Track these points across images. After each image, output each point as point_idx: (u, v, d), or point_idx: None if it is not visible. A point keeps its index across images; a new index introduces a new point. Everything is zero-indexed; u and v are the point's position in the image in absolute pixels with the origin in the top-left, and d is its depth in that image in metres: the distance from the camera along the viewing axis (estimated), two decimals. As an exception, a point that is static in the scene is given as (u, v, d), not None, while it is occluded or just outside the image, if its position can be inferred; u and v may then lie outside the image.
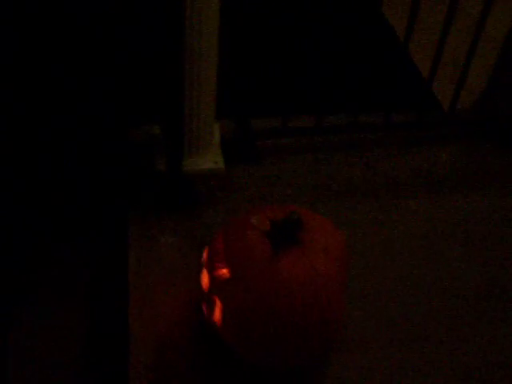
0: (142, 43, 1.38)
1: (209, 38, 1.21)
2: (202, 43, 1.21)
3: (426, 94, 1.75)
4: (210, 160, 1.42)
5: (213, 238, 1.17)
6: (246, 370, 1.16)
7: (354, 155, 1.67)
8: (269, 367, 1.16)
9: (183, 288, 1.31)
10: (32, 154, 1.51)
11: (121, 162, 1.51)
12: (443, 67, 1.66)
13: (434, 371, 1.22)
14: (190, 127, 1.36)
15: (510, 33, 1.63)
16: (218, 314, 1.11)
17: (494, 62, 1.69)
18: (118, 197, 1.49)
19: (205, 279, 1.16)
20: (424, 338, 1.27)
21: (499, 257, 1.45)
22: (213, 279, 1.12)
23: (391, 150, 1.68)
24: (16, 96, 1.46)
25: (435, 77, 1.67)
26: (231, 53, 1.33)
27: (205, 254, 1.18)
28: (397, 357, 1.23)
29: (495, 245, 1.47)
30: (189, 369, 1.19)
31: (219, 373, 1.17)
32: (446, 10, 1.54)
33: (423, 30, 1.82)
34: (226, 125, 1.56)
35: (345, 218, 1.48)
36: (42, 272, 1.37)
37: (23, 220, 1.45)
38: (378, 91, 1.64)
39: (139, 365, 1.15)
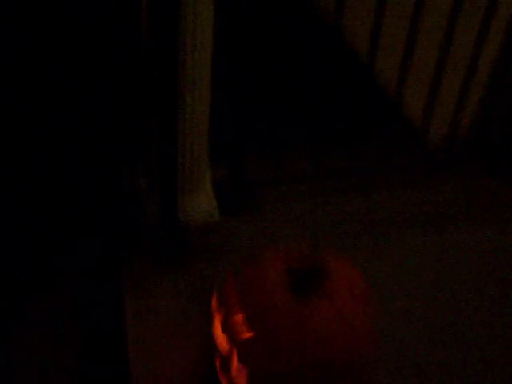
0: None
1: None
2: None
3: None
4: (204, 212, 1.34)
5: (222, 290, 1.07)
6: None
7: (355, 198, 1.63)
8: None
9: (185, 343, 1.23)
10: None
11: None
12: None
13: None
14: (183, 172, 1.28)
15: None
16: (243, 379, 1.01)
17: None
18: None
19: (221, 340, 1.04)
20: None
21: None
22: (233, 341, 1.01)
23: (393, 191, 1.66)
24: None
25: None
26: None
27: (216, 313, 1.07)
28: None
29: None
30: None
31: None
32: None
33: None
34: (219, 172, 1.48)
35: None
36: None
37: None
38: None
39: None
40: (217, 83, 1.23)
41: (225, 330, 1.01)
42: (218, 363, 1.07)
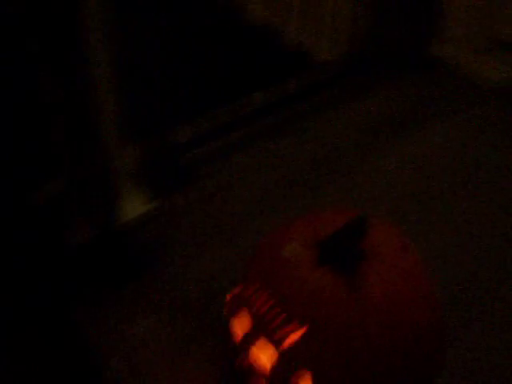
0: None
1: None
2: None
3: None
4: (136, 202, 1.16)
5: (243, 289, 0.88)
6: None
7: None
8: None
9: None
10: None
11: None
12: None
13: None
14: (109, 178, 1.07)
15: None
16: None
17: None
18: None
19: (259, 355, 0.83)
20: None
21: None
22: (277, 344, 0.81)
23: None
24: None
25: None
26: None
27: (238, 316, 0.88)
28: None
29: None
30: None
31: None
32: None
33: None
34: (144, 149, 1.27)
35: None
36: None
37: None
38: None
39: None
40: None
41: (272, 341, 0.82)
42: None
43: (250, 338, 0.84)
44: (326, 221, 0.88)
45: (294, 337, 0.80)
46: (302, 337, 0.79)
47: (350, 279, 0.81)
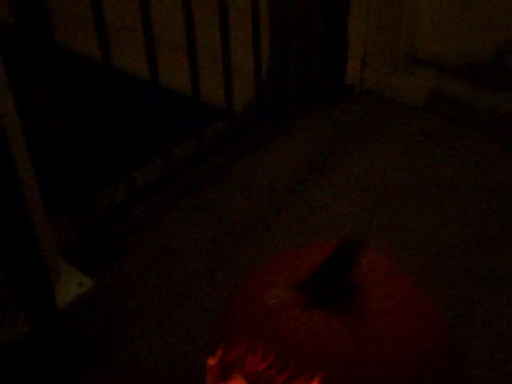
0: None
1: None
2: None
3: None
4: (73, 283, 1.05)
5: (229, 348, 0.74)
6: None
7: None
8: None
9: None
10: None
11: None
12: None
13: None
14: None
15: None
16: None
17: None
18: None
19: None
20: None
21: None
22: None
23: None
24: None
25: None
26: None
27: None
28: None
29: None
30: None
31: None
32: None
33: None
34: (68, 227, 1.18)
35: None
36: None
37: None
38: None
39: None
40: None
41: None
42: None
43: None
44: (304, 258, 0.77)
45: None
46: None
47: (346, 314, 0.70)
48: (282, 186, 1.37)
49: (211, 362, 0.77)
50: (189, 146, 1.41)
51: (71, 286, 1.07)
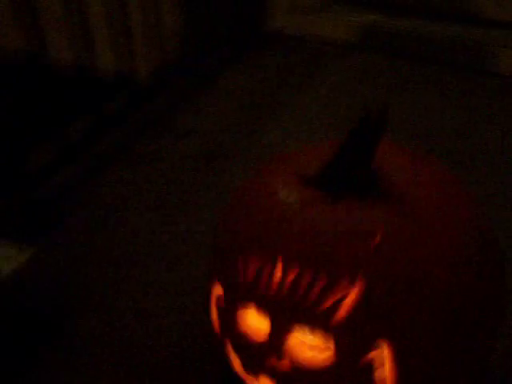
0: None
1: None
2: None
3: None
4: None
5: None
6: None
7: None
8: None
9: None
10: None
11: None
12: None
13: None
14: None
15: None
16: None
17: None
18: None
19: (302, 350, 0.57)
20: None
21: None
22: (332, 329, 0.55)
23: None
24: None
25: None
26: None
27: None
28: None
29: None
30: None
31: None
32: None
33: None
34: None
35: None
36: None
37: None
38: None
39: None
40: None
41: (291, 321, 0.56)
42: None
43: (277, 334, 0.57)
44: (313, 153, 0.64)
45: (346, 304, 0.54)
46: (359, 299, 0.54)
47: (376, 204, 0.57)
48: (224, 129, 1.24)
49: (218, 291, 0.63)
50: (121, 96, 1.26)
51: (5, 260, 0.88)
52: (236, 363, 0.63)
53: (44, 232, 0.98)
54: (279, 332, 0.57)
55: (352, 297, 0.53)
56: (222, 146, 1.19)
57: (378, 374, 0.55)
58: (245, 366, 0.62)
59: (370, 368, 0.55)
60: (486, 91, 1.36)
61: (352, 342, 0.54)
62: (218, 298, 0.62)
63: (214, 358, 0.76)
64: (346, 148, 0.58)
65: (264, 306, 0.57)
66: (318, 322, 0.55)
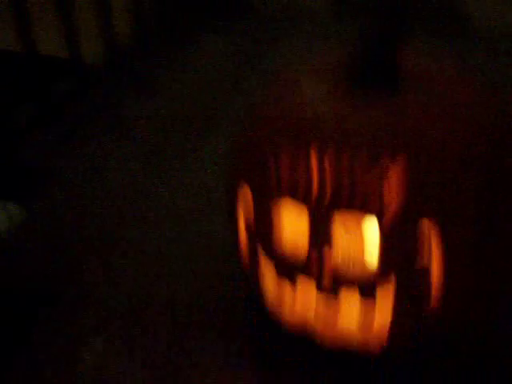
0: None
1: None
2: None
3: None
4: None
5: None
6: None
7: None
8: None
9: None
10: None
11: None
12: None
13: None
14: None
15: None
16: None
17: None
18: None
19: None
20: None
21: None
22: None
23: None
24: None
25: None
26: None
27: None
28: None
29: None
30: None
31: None
32: None
33: None
34: None
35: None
36: None
37: None
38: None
39: None
40: None
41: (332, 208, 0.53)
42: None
43: (318, 224, 0.54)
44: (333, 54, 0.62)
45: (390, 181, 0.51)
46: (403, 176, 0.51)
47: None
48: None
49: (245, 194, 0.60)
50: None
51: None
52: (269, 273, 0.61)
53: (28, 195, 0.93)
54: (320, 222, 0.54)
55: (395, 172, 0.52)
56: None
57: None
58: (280, 269, 0.59)
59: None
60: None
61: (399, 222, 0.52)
62: (246, 202, 0.60)
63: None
64: (371, 37, 0.57)
65: (301, 197, 0.55)
66: (362, 202, 0.52)
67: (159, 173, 0.97)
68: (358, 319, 0.57)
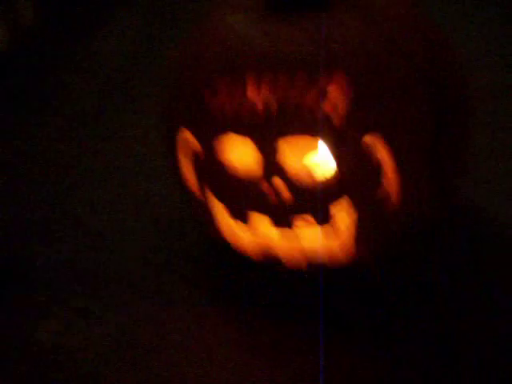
0: None
1: None
2: None
3: None
4: None
5: None
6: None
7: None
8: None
9: None
10: None
11: None
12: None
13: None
14: None
15: None
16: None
17: None
18: None
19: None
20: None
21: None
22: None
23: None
24: None
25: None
26: None
27: None
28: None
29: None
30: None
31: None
32: None
33: None
34: None
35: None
36: None
37: None
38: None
39: None
40: None
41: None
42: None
43: (267, 153, 0.53)
44: None
45: (331, 97, 0.51)
46: (342, 93, 0.51)
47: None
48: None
49: (185, 136, 0.58)
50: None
51: None
52: (221, 215, 0.59)
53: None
54: (268, 153, 0.53)
55: (334, 89, 0.51)
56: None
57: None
58: (232, 211, 0.58)
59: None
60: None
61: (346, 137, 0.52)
62: (187, 145, 0.58)
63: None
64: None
65: (244, 130, 0.54)
66: (305, 125, 0.52)
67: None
68: (322, 242, 0.57)
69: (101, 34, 1.28)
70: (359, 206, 0.54)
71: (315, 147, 0.53)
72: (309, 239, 0.57)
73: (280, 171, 0.54)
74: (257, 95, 0.52)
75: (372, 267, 0.63)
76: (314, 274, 0.60)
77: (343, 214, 0.55)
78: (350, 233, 0.56)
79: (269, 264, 0.61)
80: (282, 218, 0.56)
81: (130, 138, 0.93)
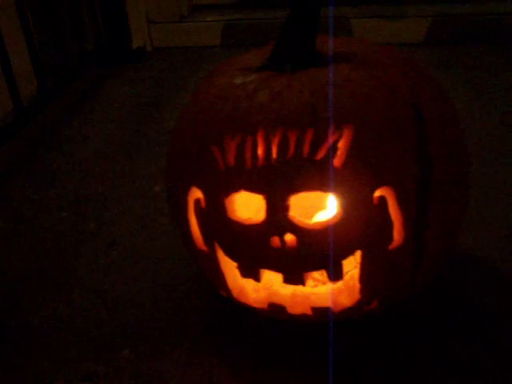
0: None
1: None
2: None
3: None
4: None
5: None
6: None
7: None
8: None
9: None
10: None
11: None
12: None
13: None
14: None
15: None
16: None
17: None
18: None
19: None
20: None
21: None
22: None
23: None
24: None
25: None
26: None
27: None
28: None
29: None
30: None
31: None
32: None
33: None
34: None
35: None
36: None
37: None
38: None
39: None
40: None
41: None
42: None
43: (276, 208, 0.53)
44: (256, 53, 0.63)
45: (342, 149, 0.52)
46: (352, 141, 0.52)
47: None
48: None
49: (196, 194, 0.58)
50: None
51: None
52: (231, 273, 0.59)
53: None
54: (278, 205, 0.53)
55: (345, 139, 0.52)
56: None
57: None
58: (243, 268, 0.57)
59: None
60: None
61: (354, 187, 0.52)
62: (198, 202, 0.58)
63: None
64: (290, 29, 0.58)
65: (255, 185, 0.53)
66: (316, 181, 0.52)
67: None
68: (333, 298, 0.57)
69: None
70: (371, 259, 0.54)
71: (327, 203, 0.53)
72: (320, 296, 0.57)
73: (292, 227, 0.53)
74: (267, 153, 0.53)
75: (377, 312, 0.63)
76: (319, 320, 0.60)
77: (356, 271, 0.55)
78: (357, 282, 0.56)
79: (273, 311, 0.60)
80: (296, 274, 0.55)
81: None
